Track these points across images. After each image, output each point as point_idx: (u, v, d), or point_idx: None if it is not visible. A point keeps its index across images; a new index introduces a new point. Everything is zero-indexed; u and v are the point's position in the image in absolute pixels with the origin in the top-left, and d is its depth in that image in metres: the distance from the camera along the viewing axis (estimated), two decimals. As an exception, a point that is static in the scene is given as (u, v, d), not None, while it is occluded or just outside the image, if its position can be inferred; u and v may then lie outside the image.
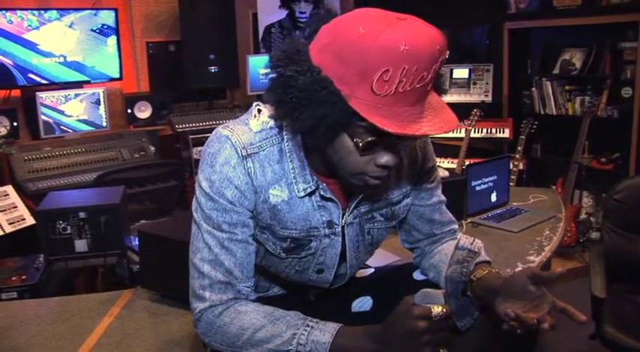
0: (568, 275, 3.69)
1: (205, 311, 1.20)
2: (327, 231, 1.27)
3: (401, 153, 1.17)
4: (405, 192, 1.36)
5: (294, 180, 1.21)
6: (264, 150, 1.20)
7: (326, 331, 1.13)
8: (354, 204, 1.28)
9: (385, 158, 1.11)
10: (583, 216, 4.23)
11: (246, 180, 1.18)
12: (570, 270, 3.79)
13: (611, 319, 2.20)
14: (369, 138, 1.07)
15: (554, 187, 4.06)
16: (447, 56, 1.04)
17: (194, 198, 1.23)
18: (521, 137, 4.16)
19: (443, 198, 1.45)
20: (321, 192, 1.24)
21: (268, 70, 1.10)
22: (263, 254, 1.30)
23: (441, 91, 1.14)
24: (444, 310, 1.06)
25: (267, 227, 1.25)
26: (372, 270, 1.57)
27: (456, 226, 1.48)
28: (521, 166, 4.15)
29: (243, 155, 1.18)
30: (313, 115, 1.04)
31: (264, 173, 1.20)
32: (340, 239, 1.30)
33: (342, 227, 1.29)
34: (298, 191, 1.22)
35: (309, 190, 1.22)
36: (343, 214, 1.28)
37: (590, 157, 4.17)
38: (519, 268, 2.06)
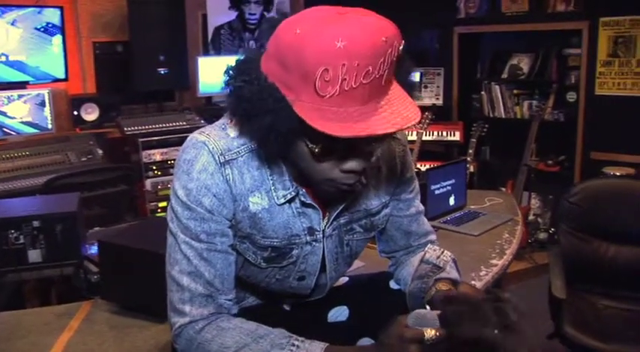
0: (522, 274, 3.81)
1: (185, 326, 1.16)
2: (308, 237, 1.24)
3: (371, 157, 1.13)
4: (384, 202, 1.34)
5: (272, 187, 1.18)
6: (242, 156, 1.15)
7: None
8: (333, 215, 1.25)
9: (349, 163, 1.07)
10: (531, 217, 4.35)
11: (224, 187, 1.14)
12: (522, 271, 3.90)
13: (570, 319, 2.27)
14: (322, 144, 1.04)
15: (503, 189, 4.16)
16: (401, 47, 0.99)
17: (169, 208, 1.18)
18: (472, 140, 4.24)
19: (421, 208, 1.43)
20: (302, 198, 1.20)
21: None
22: (242, 264, 1.26)
23: (409, 87, 1.07)
24: (438, 334, 0.99)
25: (247, 236, 1.21)
26: (347, 279, 1.55)
27: (433, 237, 1.46)
28: (472, 169, 4.23)
29: (221, 161, 1.13)
30: (262, 125, 1.01)
31: (243, 180, 1.15)
32: (321, 245, 1.27)
33: (323, 232, 1.26)
34: (277, 198, 1.18)
35: (288, 197, 1.19)
36: (323, 219, 1.25)
37: (538, 160, 4.29)
38: (483, 272, 2.09)
